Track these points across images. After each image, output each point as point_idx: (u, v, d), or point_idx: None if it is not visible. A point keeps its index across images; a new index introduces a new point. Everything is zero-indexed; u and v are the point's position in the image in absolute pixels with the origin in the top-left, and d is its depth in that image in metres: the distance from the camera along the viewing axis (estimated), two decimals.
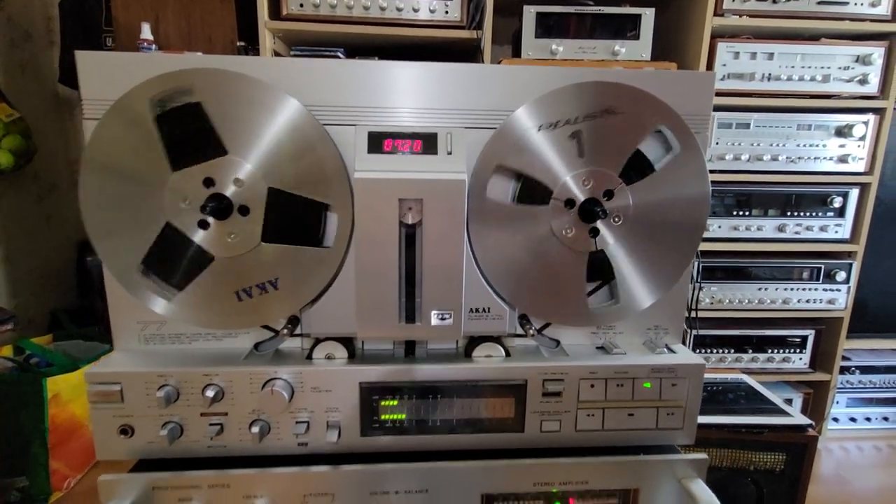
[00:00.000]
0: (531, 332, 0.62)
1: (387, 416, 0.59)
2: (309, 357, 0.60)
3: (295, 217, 0.56)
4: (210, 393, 0.55)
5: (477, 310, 0.60)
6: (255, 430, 0.57)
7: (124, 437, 0.56)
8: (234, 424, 0.58)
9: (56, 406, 1.22)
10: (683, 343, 0.66)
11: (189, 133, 0.54)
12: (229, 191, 0.54)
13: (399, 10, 1.31)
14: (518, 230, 0.59)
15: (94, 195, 0.54)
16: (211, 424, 0.57)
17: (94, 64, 0.54)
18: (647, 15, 1.37)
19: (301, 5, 1.30)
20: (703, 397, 1.25)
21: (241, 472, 0.57)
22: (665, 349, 0.64)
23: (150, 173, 0.54)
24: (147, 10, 1.25)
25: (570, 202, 0.58)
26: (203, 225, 0.55)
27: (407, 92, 0.56)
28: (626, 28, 1.38)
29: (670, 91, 0.58)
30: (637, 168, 0.59)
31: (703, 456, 0.62)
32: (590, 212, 0.57)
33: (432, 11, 1.32)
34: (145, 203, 0.54)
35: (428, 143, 0.56)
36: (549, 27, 1.37)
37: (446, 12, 1.32)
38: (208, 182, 0.54)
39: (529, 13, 1.36)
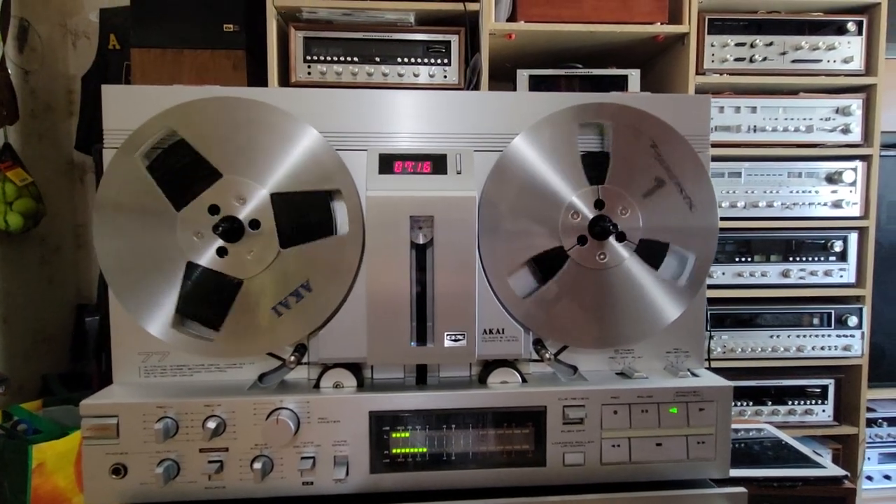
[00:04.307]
0: (547, 356, 0.60)
1: (398, 450, 0.55)
2: (316, 386, 0.57)
3: (304, 213, 0.56)
4: (211, 424, 0.52)
5: (491, 331, 0.58)
6: (258, 466, 0.53)
7: (116, 477, 0.52)
8: (235, 461, 0.53)
9: (40, 476, 1.15)
10: None
11: (181, 169, 0.55)
12: (235, 210, 0.54)
13: (400, 75, 1.39)
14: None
15: (110, 244, 0.54)
16: (210, 462, 0.53)
17: (115, 96, 0.56)
18: (634, 75, 1.45)
19: (309, 73, 1.38)
20: None
21: None
22: (688, 373, 0.61)
23: (158, 219, 0.54)
24: (164, 79, 1.33)
25: (599, 203, 0.58)
26: (221, 252, 0.55)
27: (415, 117, 0.58)
28: (615, 88, 1.46)
29: (672, 113, 0.60)
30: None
31: (741, 490, 0.57)
32: (600, 226, 0.57)
33: (431, 76, 1.40)
34: (162, 250, 0.54)
35: (437, 163, 0.57)
36: (542, 89, 1.45)
37: (445, 76, 1.40)
38: (213, 209, 0.55)
39: (522, 76, 1.44)
